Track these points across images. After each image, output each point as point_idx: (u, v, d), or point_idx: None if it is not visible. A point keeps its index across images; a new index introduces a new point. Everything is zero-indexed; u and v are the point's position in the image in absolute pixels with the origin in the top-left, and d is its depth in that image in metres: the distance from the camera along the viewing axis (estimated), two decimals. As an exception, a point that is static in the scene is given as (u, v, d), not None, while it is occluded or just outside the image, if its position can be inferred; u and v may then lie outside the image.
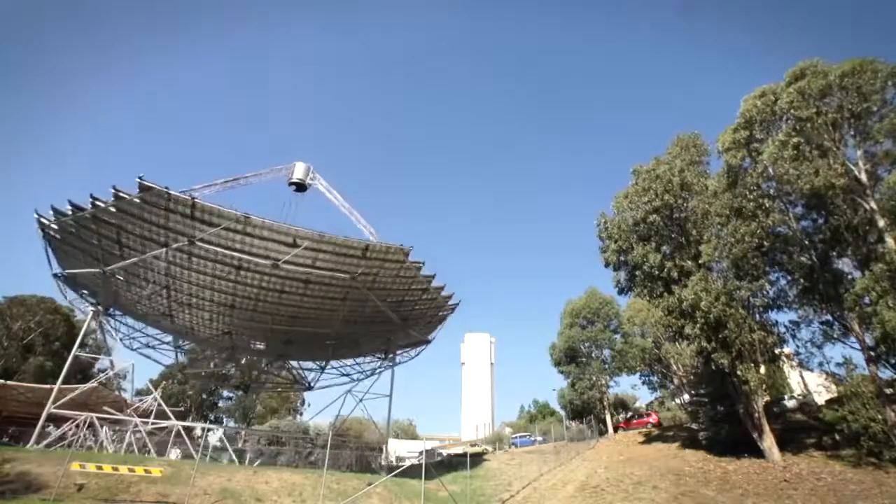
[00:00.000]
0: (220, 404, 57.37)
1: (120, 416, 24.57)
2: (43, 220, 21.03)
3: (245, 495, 14.71)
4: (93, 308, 24.87)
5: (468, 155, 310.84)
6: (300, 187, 26.64)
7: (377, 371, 34.44)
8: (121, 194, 19.24)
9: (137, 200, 19.45)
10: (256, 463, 24.95)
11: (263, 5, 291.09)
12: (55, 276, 23.11)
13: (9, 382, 28.45)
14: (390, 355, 32.24)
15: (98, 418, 23.79)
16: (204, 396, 54.73)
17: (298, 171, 26.61)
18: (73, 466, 13.57)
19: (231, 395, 57.33)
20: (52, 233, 21.75)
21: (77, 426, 23.06)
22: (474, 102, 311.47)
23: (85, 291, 25.68)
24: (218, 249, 21.50)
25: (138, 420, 23.33)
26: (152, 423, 23.96)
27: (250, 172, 25.96)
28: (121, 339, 27.77)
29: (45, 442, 22.08)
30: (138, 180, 18.68)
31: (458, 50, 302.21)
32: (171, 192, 19.46)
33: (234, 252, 21.68)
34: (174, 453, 23.71)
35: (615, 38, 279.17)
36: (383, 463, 30.91)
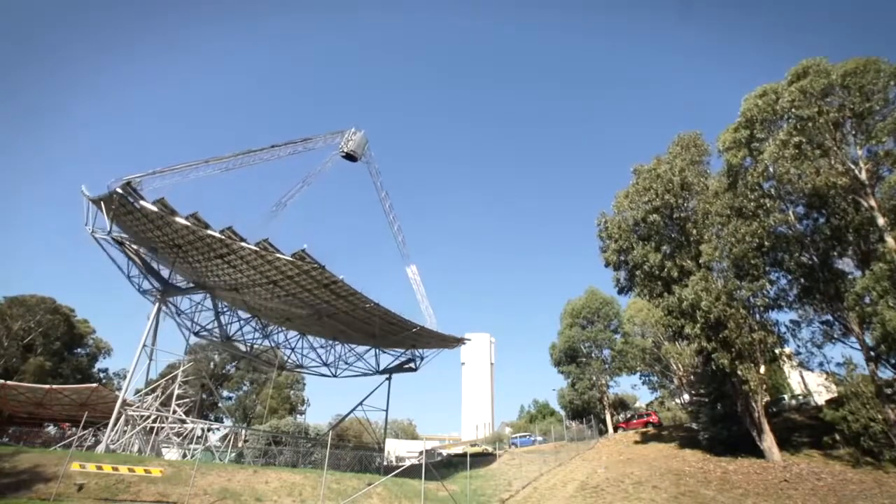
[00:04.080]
0: (220, 404, 57.36)
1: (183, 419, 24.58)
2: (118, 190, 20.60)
3: (245, 495, 14.69)
4: (158, 294, 24.42)
5: (469, 155, 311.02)
6: (350, 157, 25.48)
7: (375, 372, 34.64)
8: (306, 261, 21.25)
9: (300, 263, 21.38)
10: (261, 462, 24.97)
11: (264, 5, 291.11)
12: (113, 239, 22.60)
13: (9, 382, 28.38)
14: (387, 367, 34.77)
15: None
16: (204, 396, 54.68)
17: (355, 142, 25.34)
18: (73, 466, 13.56)
19: (231, 395, 57.36)
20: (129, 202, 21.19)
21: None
22: (474, 103, 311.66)
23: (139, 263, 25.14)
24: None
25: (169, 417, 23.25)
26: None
27: (301, 137, 24.97)
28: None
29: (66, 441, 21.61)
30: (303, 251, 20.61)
31: (457, 51, 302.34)
32: (327, 272, 21.55)
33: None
34: (176, 453, 23.68)
35: (615, 39, 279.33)
36: (384, 464, 30.92)
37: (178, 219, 20.54)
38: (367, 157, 26.24)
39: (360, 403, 33.38)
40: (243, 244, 20.71)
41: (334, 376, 34.09)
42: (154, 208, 20.37)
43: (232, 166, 23.11)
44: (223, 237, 20.75)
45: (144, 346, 23.26)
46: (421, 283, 29.95)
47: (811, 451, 19.51)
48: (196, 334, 27.59)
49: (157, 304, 24.30)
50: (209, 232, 20.71)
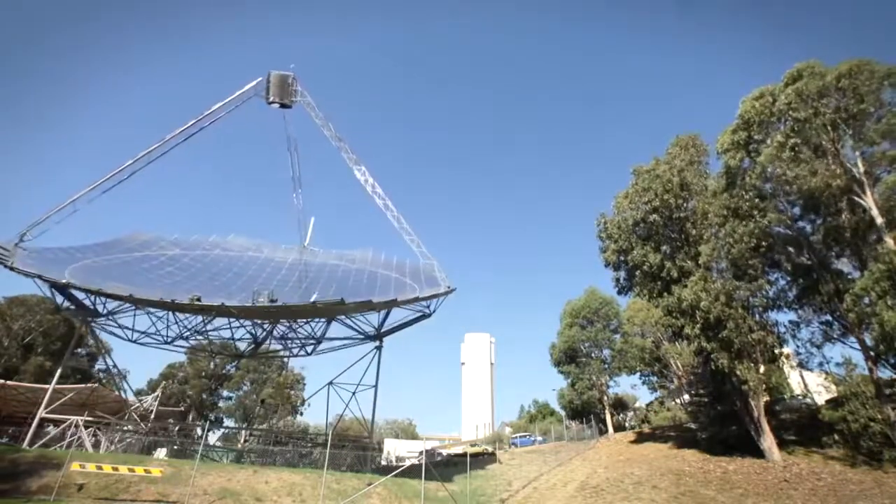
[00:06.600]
0: (221, 404, 57.33)
1: (110, 419, 24.82)
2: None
3: (245, 495, 14.73)
4: (80, 317, 24.67)
5: (469, 155, 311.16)
6: (282, 105, 22.96)
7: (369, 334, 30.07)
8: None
9: None
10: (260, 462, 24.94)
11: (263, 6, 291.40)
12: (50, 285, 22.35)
13: (9, 382, 28.43)
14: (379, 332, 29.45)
15: (88, 422, 24.12)
16: (204, 396, 54.70)
17: (274, 89, 22.10)
18: (74, 466, 13.60)
19: (231, 394, 57.32)
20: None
21: (75, 427, 23.18)
22: (474, 102, 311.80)
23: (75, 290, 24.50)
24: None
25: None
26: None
27: (214, 106, 22.13)
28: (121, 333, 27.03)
29: (39, 443, 22.30)
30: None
31: (456, 51, 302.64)
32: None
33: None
34: (162, 452, 23.97)
35: (614, 39, 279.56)
36: (383, 463, 30.38)
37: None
38: (298, 95, 23.04)
39: (353, 394, 28.64)
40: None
41: (308, 355, 31.33)
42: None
43: (113, 184, 22.54)
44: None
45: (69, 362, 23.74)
46: (377, 185, 24.99)
47: (811, 451, 19.52)
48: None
49: (80, 325, 25.32)
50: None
